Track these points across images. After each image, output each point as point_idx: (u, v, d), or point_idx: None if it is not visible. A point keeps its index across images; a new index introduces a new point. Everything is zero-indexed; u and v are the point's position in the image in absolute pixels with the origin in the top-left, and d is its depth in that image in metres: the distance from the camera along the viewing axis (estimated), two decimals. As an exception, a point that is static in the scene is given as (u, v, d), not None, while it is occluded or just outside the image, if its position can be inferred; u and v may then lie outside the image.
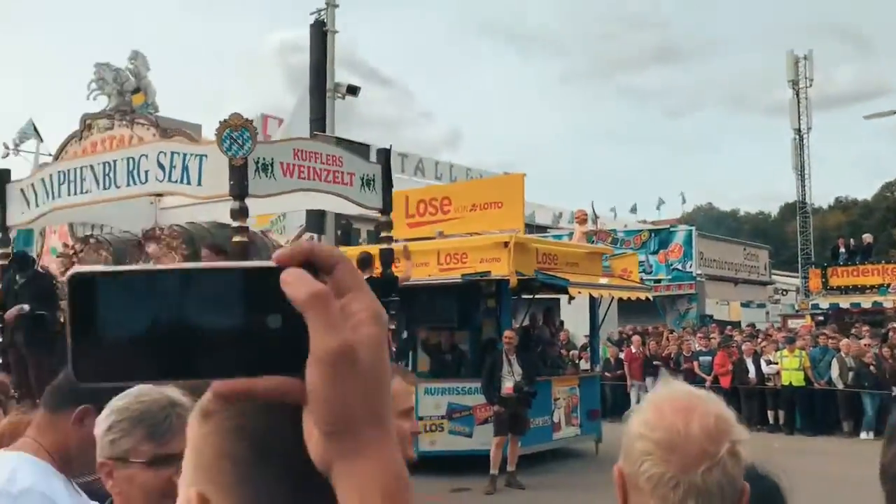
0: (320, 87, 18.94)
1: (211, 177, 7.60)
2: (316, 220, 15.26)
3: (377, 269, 8.77)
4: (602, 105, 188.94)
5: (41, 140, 24.47)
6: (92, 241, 9.19)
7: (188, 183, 7.83)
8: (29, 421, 2.62)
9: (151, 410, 1.98)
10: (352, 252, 10.04)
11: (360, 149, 14.02)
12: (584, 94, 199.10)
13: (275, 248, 9.02)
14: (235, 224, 7.40)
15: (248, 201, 7.52)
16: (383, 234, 8.91)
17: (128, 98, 9.70)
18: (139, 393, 2.02)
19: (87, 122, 9.57)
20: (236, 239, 7.39)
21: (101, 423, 1.97)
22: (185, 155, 7.84)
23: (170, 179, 7.95)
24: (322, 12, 20.57)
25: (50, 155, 13.20)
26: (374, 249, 9.11)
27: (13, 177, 9.65)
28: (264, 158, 7.57)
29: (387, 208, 8.75)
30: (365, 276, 7.98)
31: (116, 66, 10.00)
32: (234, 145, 7.35)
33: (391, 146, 9.08)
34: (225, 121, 7.47)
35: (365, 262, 8.67)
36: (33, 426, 2.29)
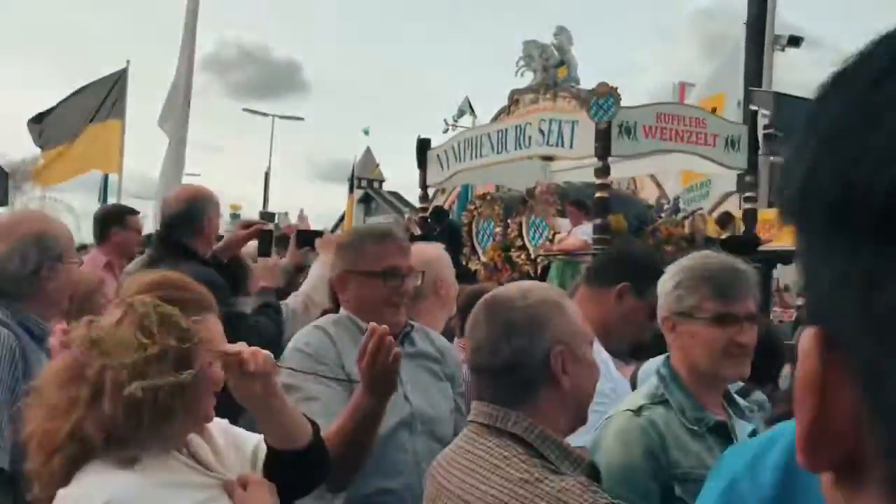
0: (757, 41, 18.21)
1: (580, 140, 8.56)
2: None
3: (741, 228, 8.97)
4: None
5: (475, 116, 27.49)
6: (487, 197, 10.84)
7: (562, 146, 8.90)
8: None
9: (717, 271, 2.02)
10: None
11: (801, 103, 13.59)
12: None
13: (643, 207, 9.72)
14: (598, 181, 8.28)
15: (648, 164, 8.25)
16: (747, 195, 9.05)
17: (552, 73, 10.84)
18: (707, 255, 2.11)
19: (515, 98, 10.96)
20: (598, 195, 8.27)
21: (668, 281, 2.06)
22: (560, 121, 8.92)
23: (548, 143, 9.09)
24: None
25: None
26: (737, 211, 9.29)
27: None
28: (627, 122, 8.30)
29: (751, 168, 8.88)
30: (725, 236, 8.33)
31: (542, 42, 11.14)
32: (600, 111, 8.21)
33: (758, 108, 9.14)
34: (593, 89, 8.38)
35: (724, 221, 8.95)
36: (576, 300, 2.58)
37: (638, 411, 2.01)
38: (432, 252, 3.09)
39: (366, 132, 33.05)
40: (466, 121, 27.72)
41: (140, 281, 1.65)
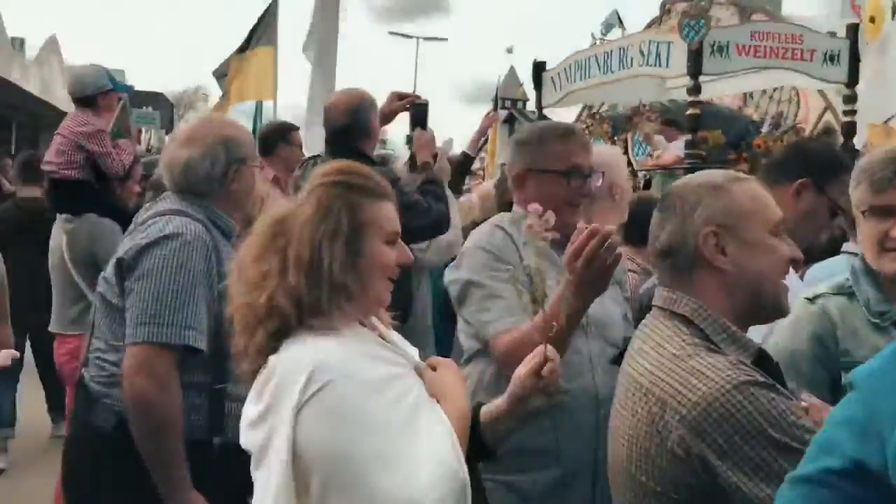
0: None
1: (675, 60, 9.05)
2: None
3: (840, 140, 9.17)
4: None
5: (624, 28, 26.91)
6: (597, 116, 11.47)
7: (659, 66, 9.41)
8: None
9: (875, 162, 1.94)
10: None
11: None
12: None
13: (745, 123, 10.07)
14: (690, 99, 8.80)
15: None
16: (846, 108, 9.20)
17: (707, -23, 10.98)
18: (882, 148, 2.04)
19: (667, 7, 11.20)
20: (689, 112, 8.80)
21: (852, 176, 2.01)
22: (658, 43, 9.40)
23: (647, 64, 9.61)
24: None
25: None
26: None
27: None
28: (720, 42, 8.69)
29: (852, 81, 9.02)
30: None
31: (700, -55, 11.13)
32: (692, 32, 8.66)
33: (859, 23, 9.18)
34: (686, 11, 8.82)
35: (825, 134, 9.19)
36: None
37: (813, 299, 2.00)
38: (609, 154, 3.03)
39: (509, 51, 33.23)
40: (615, 34, 27.06)
41: (327, 168, 1.73)
